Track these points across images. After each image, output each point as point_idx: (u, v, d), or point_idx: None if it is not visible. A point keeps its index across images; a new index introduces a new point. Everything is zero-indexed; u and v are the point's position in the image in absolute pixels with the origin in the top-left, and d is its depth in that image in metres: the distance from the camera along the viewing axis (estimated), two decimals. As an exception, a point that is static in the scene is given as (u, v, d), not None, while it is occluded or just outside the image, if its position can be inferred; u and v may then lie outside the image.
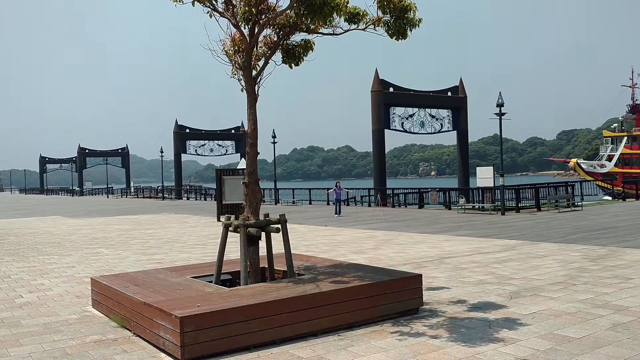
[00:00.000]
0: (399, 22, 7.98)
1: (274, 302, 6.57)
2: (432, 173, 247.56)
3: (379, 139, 41.74)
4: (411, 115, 43.47)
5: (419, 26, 8.15)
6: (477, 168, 31.11)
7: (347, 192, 38.31)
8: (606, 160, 63.73)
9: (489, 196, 29.65)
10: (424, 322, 7.30)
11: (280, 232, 8.02)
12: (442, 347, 6.23)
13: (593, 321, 7.11)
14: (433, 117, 44.38)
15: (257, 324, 6.39)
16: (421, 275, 8.02)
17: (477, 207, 29.37)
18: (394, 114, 42.73)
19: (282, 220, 8.09)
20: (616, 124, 65.80)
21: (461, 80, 44.96)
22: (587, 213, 24.62)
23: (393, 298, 7.47)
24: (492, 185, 29.92)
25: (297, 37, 8.80)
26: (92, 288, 8.82)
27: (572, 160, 70.59)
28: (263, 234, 8.08)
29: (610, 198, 41.80)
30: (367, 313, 7.22)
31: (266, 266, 8.46)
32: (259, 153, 8.27)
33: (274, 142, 43.73)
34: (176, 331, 5.98)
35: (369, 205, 37.78)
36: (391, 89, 41.96)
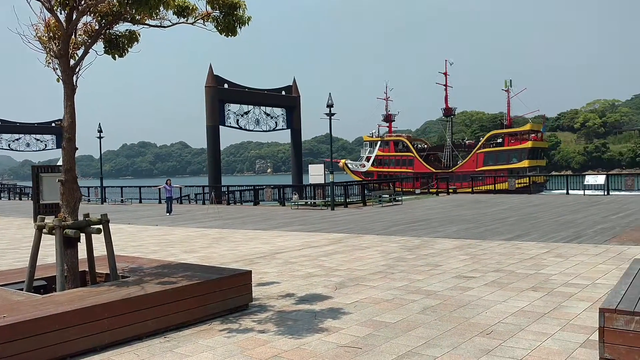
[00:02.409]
0: (228, 19, 7.96)
1: (94, 308, 6.18)
2: (269, 170, 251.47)
3: (213, 136, 41.34)
4: (246, 113, 43.68)
5: (248, 24, 8.20)
6: (309, 165, 32.27)
7: (180, 188, 37.51)
8: (365, 161, 74.85)
9: (320, 192, 30.92)
10: (253, 317, 7.39)
11: (102, 232, 7.56)
12: (270, 340, 6.36)
13: (407, 306, 7.76)
14: (268, 115, 45.06)
15: (74, 331, 5.96)
16: (251, 271, 8.10)
17: (309, 203, 30.44)
18: (229, 110, 42.59)
19: (104, 220, 7.63)
20: (373, 131, 77.58)
21: (294, 80, 46.21)
22: (406, 207, 26.80)
23: (222, 296, 7.45)
24: (323, 182, 31.24)
25: (122, 27, 8.36)
26: None
27: (342, 160, 79.73)
28: (83, 236, 7.55)
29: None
30: (195, 313, 7.11)
31: (87, 270, 7.92)
32: (77, 149, 7.72)
33: (100, 137, 41.07)
34: (-24, 347, 5.34)
35: (203, 203, 37.23)
36: (226, 85, 41.77)
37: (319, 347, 6.08)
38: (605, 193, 31.89)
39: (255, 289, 8.91)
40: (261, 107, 44.35)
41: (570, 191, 33.58)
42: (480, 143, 64.96)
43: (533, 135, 61.19)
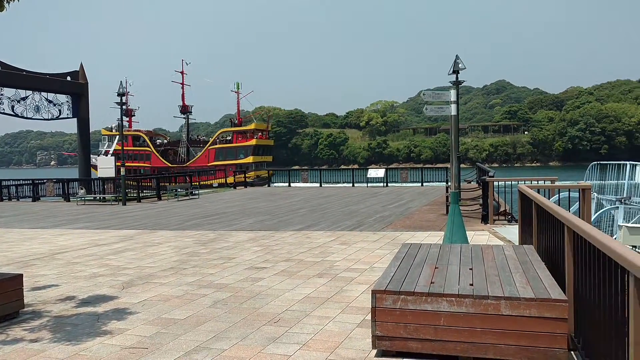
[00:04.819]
0: (-8, -9, 7.01)
1: None
2: (52, 163, 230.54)
3: (-18, 123, 36.34)
4: (24, 98, 39.19)
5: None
6: (98, 158, 30.22)
7: None
8: (103, 155, 75.74)
9: (110, 186, 29.11)
10: (24, 326, 6.65)
11: None
12: (44, 349, 5.78)
13: (198, 301, 7.67)
14: (50, 102, 40.96)
15: None
16: (21, 275, 7.26)
17: (98, 198, 28.49)
18: (2, 95, 37.82)
19: None
20: (114, 125, 78.37)
21: (82, 65, 42.73)
22: (203, 201, 26.55)
23: (-14, 304, 6.58)
24: (114, 175, 29.53)
25: None
26: None
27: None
28: None
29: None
30: (-50, 326, 6.17)
31: None
32: None
33: None
34: None
35: (-30, 200, 32.57)
36: (-1, 67, 36.97)
37: (101, 351, 5.70)
38: (385, 185, 35.27)
39: (29, 294, 8.07)
40: (42, 92, 40.13)
41: (356, 184, 36.50)
42: (211, 140, 69.32)
43: (259, 134, 66.67)
